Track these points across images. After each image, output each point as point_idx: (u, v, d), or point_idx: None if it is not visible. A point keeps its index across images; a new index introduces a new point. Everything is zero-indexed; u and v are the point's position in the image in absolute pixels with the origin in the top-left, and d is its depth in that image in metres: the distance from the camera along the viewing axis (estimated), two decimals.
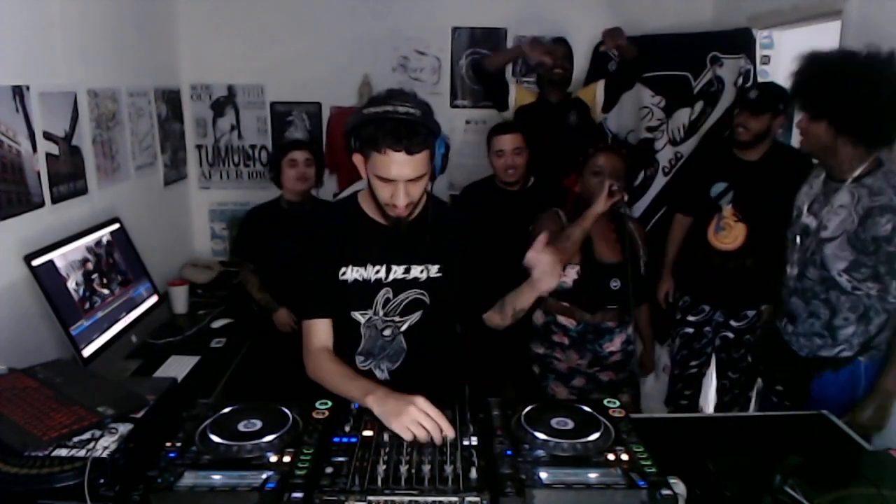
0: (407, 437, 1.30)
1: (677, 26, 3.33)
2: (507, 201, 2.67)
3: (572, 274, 2.28)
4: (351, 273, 1.64)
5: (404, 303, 1.69)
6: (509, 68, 3.47)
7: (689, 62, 3.22)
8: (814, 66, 1.89)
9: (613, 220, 2.34)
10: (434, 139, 1.51)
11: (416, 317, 1.71)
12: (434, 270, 1.68)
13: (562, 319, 2.35)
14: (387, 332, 1.71)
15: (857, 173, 1.87)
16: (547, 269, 1.55)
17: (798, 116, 2.03)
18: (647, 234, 2.54)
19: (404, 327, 1.71)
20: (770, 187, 2.49)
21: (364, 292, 1.66)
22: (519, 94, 3.13)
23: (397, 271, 1.65)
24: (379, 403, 1.38)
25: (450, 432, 1.31)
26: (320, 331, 1.64)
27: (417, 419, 1.31)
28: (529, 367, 2.48)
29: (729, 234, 2.63)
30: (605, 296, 2.29)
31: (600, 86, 3.11)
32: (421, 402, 1.34)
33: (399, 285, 1.67)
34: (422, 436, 1.29)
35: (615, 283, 2.27)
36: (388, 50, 3.49)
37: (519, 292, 1.66)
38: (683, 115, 3.22)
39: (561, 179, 2.67)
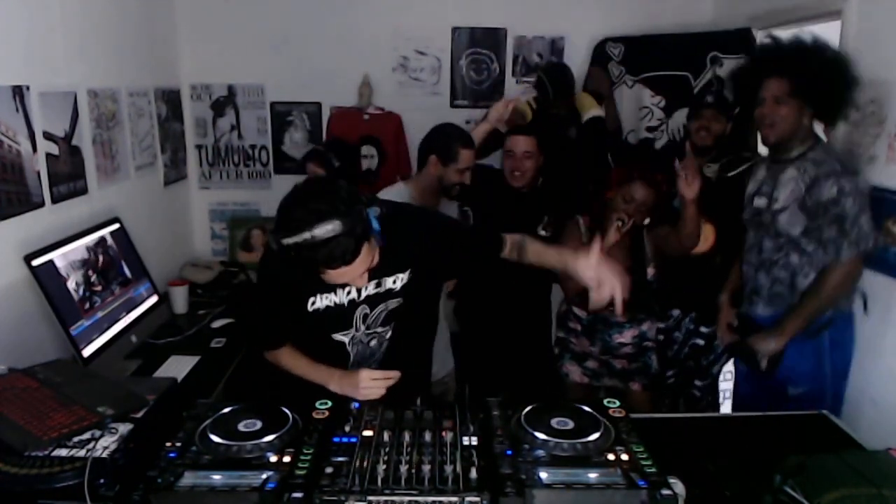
0: (373, 398, 1.55)
1: (677, 26, 3.33)
2: (512, 199, 2.64)
3: None
4: (321, 301, 1.61)
5: (384, 314, 1.68)
6: (509, 68, 3.49)
7: (689, 62, 3.23)
8: (783, 49, 2.05)
9: (630, 229, 2.39)
10: (366, 232, 1.37)
11: (398, 321, 1.71)
12: (406, 276, 1.65)
13: (576, 310, 2.53)
14: (373, 343, 1.71)
15: (801, 151, 2.00)
16: (604, 280, 1.55)
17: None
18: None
19: (389, 335, 1.72)
20: (730, 186, 2.50)
21: (340, 315, 1.64)
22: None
23: (368, 288, 1.62)
24: (339, 385, 1.60)
25: (396, 374, 1.59)
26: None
27: (372, 385, 1.56)
28: (550, 349, 2.69)
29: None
30: None
31: None
32: (365, 372, 1.58)
33: (374, 299, 1.65)
34: (381, 393, 1.56)
35: None
36: (388, 50, 3.49)
37: (556, 256, 1.73)
38: (683, 116, 3.21)
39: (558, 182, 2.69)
